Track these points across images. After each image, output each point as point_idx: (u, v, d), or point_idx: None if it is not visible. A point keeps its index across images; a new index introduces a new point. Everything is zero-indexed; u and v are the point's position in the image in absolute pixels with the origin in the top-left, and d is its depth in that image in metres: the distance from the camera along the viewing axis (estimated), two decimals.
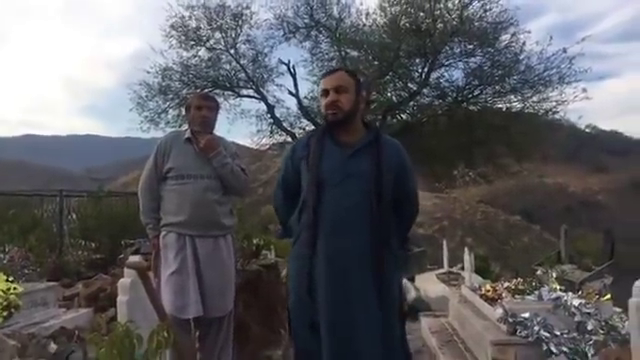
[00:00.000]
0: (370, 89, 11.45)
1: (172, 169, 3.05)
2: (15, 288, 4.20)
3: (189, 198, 2.99)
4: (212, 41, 13.52)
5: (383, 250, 2.15)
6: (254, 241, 4.91)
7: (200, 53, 13.66)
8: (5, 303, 4.05)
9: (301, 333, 2.23)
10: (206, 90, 13.44)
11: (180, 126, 11.86)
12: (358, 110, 2.30)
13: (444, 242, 11.08)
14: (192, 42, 13.39)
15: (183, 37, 13.25)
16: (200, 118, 3.12)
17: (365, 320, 2.10)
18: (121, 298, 2.40)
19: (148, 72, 13.34)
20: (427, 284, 8.21)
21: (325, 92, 2.27)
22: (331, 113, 2.24)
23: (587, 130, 62.33)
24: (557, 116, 12.93)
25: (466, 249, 7.42)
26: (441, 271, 10.06)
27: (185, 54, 13.52)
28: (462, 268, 9.21)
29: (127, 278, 2.43)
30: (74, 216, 8.50)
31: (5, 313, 4.04)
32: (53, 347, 3.67)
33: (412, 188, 2.39)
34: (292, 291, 2.27)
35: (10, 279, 4.33)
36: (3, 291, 4.11)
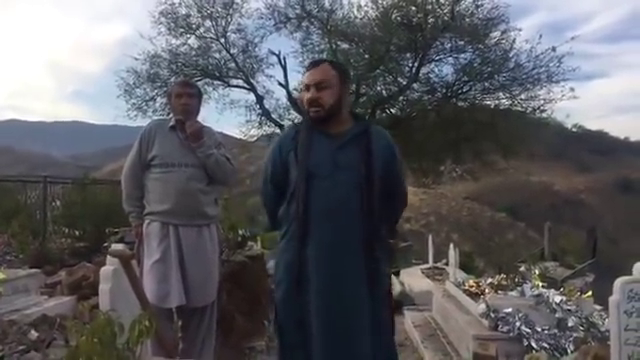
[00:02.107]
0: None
1: (156, 157, 3.02)
2: None
3: (173, 187, 2.97)
4: (202, 29, 13.36)
5: (374, 241, 2.14)
6: (239, 232, 4.88)
7: (189, 41, 13.50)
8: None
9: (287, 326, 2.20)
10: (195, 79, 13.32)
11: (168, 114, 11.74)
12: (342, 103, 2.25)
13: (429, 237, 11.16)
14: (181, 29, 13.22)
15: (172, 24, 13.06)
16: (181, 106, 3.08)
17: (355, 310, 2.10)
18: (103, 286, 2.38)
19: (136, 59, 13.16)
20: (412, 279, 8.26)
21: (307, 87, 2.22)
22: (313, 111, 2.20)
23: (574, 129, 62.92)
24: (544, 114, 13.03)
25: (451, 245, 7.47)
26: (426, 266, 10.13)
27: (174, 42, 13.34)
28: (447, 263, 9.28)
29: (110, 266, 2.40)
30: (58, 203, 8.39)
31: None
32: (34, 334, 3.63)
33: (401, 179, 2.36)
34: (280, 283, 2.23)
35: None
36: None
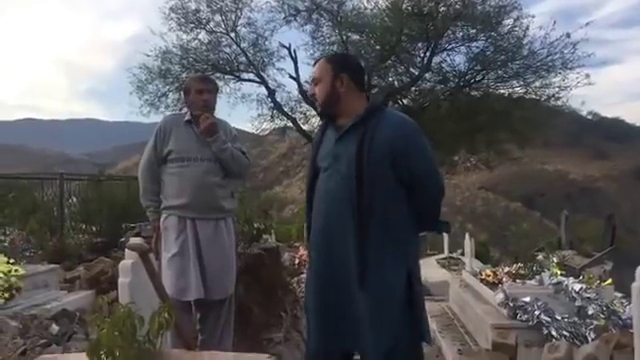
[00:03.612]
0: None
1: (172, 152, 3.02)
2: (16, 270, 4.21)
3: (189, 181, 2.97)
4: (212, 24, 13.39)
5: (367, 234, 2.05)
6: (255, 225, 4.90)
7: (200, 36, 13.55)
8: (6, 285, 4.06)
9: (307, 307, 2.32)
10: (206, 74, 13.35)
11: (180, 110, 11.80)
12: (336, 95, 2.19)
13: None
14: (192, 25, 13.26)
15: (183, 19, 13.12)
16: (202, 102, 3.08)
17: (348, 297, 2.11)
18: (122, 280, 2.39)
19: (148, 55, 13.25)
20: (427, 269, 8.23)
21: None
22: (318, 105, 2.29)
23: (589, 117, 62.08)
24: (559, 102, 12.87)
25: (467, 234, 7.44)
26: (441, 256, 10.11)
27: (185, 37, 13.40)
28: (462, 254, 9.25)
29: (128, 260, 2.42)
30: (75, 200, 8.48)
31: (7, 295, 4.05)
32: (55, 328, 3.68)
33: (425, 167, 2.17)
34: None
35: (11, 261, 4.34)
36: (4, 273, 4.11)
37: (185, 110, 3.27)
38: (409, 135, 2.15)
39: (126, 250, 2.49)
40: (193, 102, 3.12)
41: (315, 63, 2.33)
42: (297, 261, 6.39)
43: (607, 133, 65.92)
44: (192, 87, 3.17)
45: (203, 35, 13.54)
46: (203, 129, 3.01)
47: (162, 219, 3.03)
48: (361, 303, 2.09)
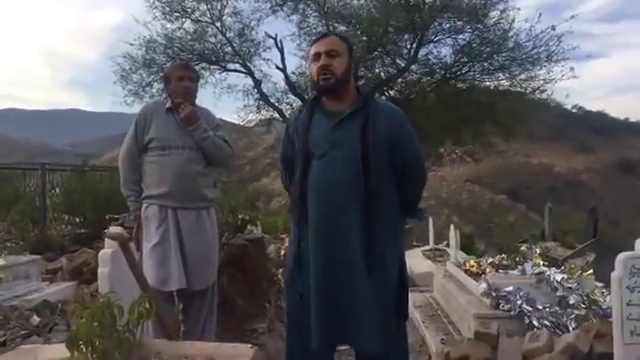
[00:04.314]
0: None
1: (153, 140, 2.98)
2: None
3: (171, 169, 2.94)
4: (197, 13, 13.22)
5: (374, 220, 2.09)
6: (239, 216, 4.88)
7: (185, 25, 13.38)
8: None
9: (292, 302, 2.27)
10: (192, 63, 13.22)
11: (165, 99, 11.66)
12: (350, 76, 2.23)
13: (430, 219, 11.17)
14: (177, 14, 13.09)
15: (167, 8, 12.93)
16: (182, 89, 3.03)
17: (354, 287, 2.09)
18: (102, 269, 2.37)
19: (132, 44, 13.05)
20: (413, 260, 8.28)
21: (317, 56, 2.18)
22: (323, 78, 2.15)
23: (573, 110, 62.66)
24: (544, 95, 12.98)
25: (452, 226, 7.48)
26: (427, 248, 10.16)
27: (170, 26, 13.22)
28: (447, 245, 9.31)
29: (108, 249, 2.39)
30: (57, 190, 8.37)
31: None
32: (36, 319, 3.65)
33: (414, 155, 2.26)
34: (287, 261, 2.32)
35: None
36: None
37: (166, 97, 3.22)
38: (402, 123, 2.24)
39: (105, 239, 2.46)
40: (174, 90, 3.07)
41: (322, 36, 2.28)
42: (283, 252, 6.38)
43: (591, 127, 66.63)
44: (173, 74, 3.13)
45: (188, 24, 13.40)
46: (183, 117, 2.97)
47: (143, 209, 2.99)
48: (364, 292, 2.09)
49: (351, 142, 2.11)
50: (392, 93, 14.19)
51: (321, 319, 2.09)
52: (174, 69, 3.27)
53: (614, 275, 2.29)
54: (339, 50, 2.19)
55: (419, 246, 11.05)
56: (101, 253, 2.43)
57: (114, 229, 2.58)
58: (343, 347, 2.65)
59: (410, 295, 5.40)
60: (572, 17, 12.10)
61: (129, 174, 3.06)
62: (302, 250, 2.17)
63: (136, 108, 13.58)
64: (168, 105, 3.05)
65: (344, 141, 2.13)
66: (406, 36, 13.05)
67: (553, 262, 4.76)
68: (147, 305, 1.80)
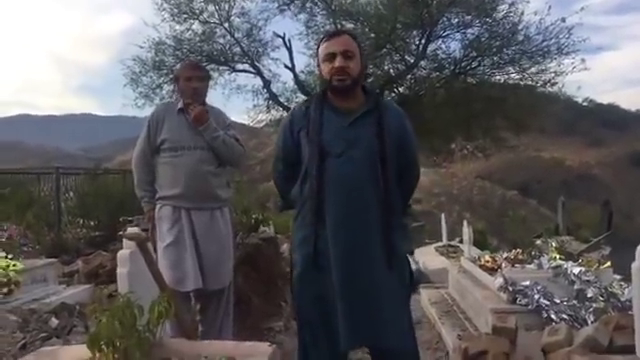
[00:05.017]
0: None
1: (166, 141, 3.00)
2: (15, 265, 4.20)
3: (183, 170, 2.95)
4: (205, 14, 13.25)
5: (390, 216, 2.13)
6: (253, 215, 4.89)
7: (193, 27, 13.41)
8: (5, 280, 4.05)
9: (305, 303, 2.20)
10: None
11: (177, 100, 11.69)
12: (362, 77, 2.26)
13: (442, 216, 11.13)
14: (185, 15, 13.13)
15: (175, 10, 12.99)
16: (191, 90, 3.04)
17: (374, 284, 2.09)
18: (121, 270, 2.38)
19: (141, 47, 13.12)
20: (426, 257, 8.26)
21: (331, 56, 2.17)
22: (339, 79, 2.15)
23: (584, 104, 61.94)
24: (555, 88, 12.84)
25: (465, 222, 7.43)
26: (440, 244, 10.12)
27: (178, 28, 13.27)
28: (460, 242, 9.26)
29: (126, 250, 2.41)
30: (72, 194, 8.46)
31: (5, 290, 4.04)
32: (54, 322, 3.68)
33: (414, 154, 2.35)
34: (296, 262, 2.22)
35: (9, 256, 4.32)
36: (2, 268, 4.10)
37: (177, 98, 3.23)
38: (405, 121, 2.31)
39: (124, 240, 2.48)
40: (183, 90, 3.08)
41: (335, 35, 2.28)
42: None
43: (603, 120, 65.93)
44: (181, 75, 3.14)
45: (197, 25, 13.43)
46: (193, 118, 2.97)
47: (157, 209, 3.01)
48: (388, 289, 2.10)
49: (369, 140, 2.13)
50: (401, 90, 14.13)
51: (349, 320, 2.05)
52: (182, 69, 3.28)
53: (635, 265, 2.27)
54: (354, 51, 2.19)
55: (431, 243, 11.02)
56: (120, 253, 2.45)
57: (132, 229, 2.60)
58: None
59: (425, 292, 5.41)
60: (582, 9, 11.95)
61: (143, 175, 3.08)
62: (319, 250, 2.12)
63: (147, 111, 13.68)
64: (180, 106, 3.06)
65: (361, 139, 2.14)
66: (414, 32, 12.98)
67: (569, 256, 4.72)
68: (166, 304, 1.82)
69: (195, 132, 3.00)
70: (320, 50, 2.24)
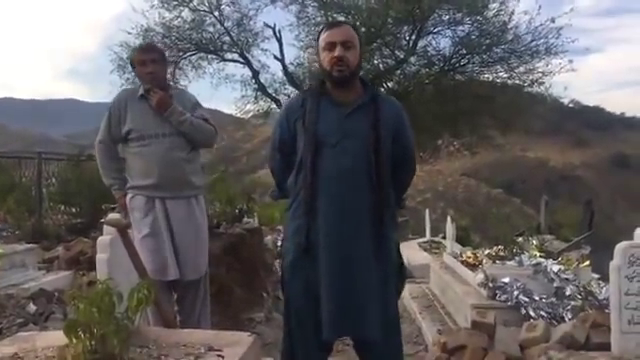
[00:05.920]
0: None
1: (132, 130, 2.87)
2: None
3: (154, 159, 2.83)
4: (195, 2, 13.06)
5: (383, 209, 2.14)
6: (237, 206, 4.87)
7: (183, 14, 13.21)
8: None
9: (295, 293, 2.21)
10: (189, 53, 13.15)
11: (139, 85, 11.52)
12: (360, 68, 2.27)
13: (426, 212, 11.20)
14: (175, 2, 12.94)
15: None
16: (147, 75, 2.89)
17: (364, 276, 2.10)
18: (100, 256, 2.35)
19: (129, 33, 12.91)
20: (409, 252, 8.30)
21: (331, 45, 2.17)
22: (338, 69, 2.15)
23: (570, 105, 62.63)
24: (542, 87, 12.94)
25: (449, 217, 7.49)
26: (423, 240, 10.19)
27: (167, 15, 13.08)
28: (444, 238, 9.33)
29: (106, 236, 2.38)
30: (54, 180, 8.34)
31: None
32: (32, 308, 3.64)
33: (411, 146, 2.36)
34: (288, 251, 2.23)
35: None
36: None
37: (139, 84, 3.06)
38: (402, 114, 2.32)
39: (104, 226, 2.44)
40: (140, 76, 2.95)
41: (335, 25, 2.30)
42: (280, 243, 6.38)
43: (587, 121, 66.76)
44: (135, 60, 2.99)
45: (186, 13, 13.23)
46: (155, 104, 2.85)
47: (128, 198, 2.91)
48: (373, 281, 2.11)
49: (364, 132, 2.15)
50: (390, 85, 14.12)
51: (334, 310, 2.08)
52: (135, 53, 3.10)
53: (613, 264, 2.30)
54: (353, 42, 2.20)
55: (415, 238, 11.09)
56: (99, 239, 2.42)
57: (113, 215, 2.56)
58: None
59: (406, 286, 5.45)
60: (571, 10, 12.05)
61: (107, 162, 2.98)
62: (311, 240, 2.13)
63: None
64: (141, 92, 2.92)
65: (357, 131, 2.15)
66: (405, 27, 12.97)
67: (549, 254, 4.78)
68: (146, 292, 1.80)
69: (161, 119, 2.86)
70: (320, 39, 2.24)
